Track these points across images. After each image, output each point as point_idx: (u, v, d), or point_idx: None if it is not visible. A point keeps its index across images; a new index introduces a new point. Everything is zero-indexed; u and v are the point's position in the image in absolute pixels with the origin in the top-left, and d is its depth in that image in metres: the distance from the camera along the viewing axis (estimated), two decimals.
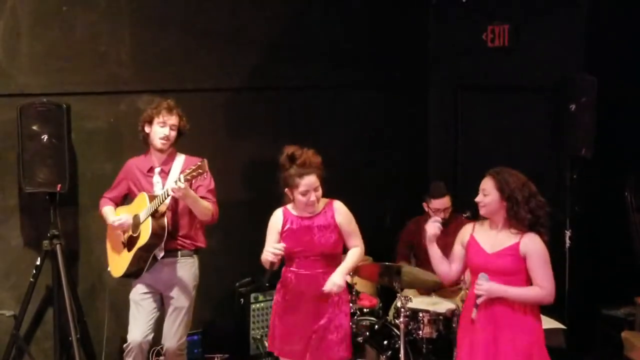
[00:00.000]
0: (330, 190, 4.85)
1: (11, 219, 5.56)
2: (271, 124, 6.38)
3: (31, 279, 5.42)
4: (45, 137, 5.34)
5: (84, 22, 5.64)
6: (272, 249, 4.64)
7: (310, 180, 4.64)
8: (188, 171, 4.79)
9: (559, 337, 5.57)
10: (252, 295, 6.19)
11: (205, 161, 4.78)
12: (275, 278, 4.95)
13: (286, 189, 4.72)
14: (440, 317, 5.43)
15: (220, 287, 6.27)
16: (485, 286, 4.31)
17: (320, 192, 4.70)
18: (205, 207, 5.05)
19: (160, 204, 4.95)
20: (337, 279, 4.64)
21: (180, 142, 5.53)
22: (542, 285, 4.29)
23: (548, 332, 5.44)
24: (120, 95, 5.74)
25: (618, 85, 6.03)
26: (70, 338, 5.40)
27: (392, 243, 6.42)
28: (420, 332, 5.41)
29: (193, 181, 4.95)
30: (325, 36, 6.66)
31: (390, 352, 5.40)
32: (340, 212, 4.77)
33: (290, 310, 4.77)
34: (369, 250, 4.98)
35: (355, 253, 4.79)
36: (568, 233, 5.97)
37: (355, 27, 6.79)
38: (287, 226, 4.75)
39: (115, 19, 5.75)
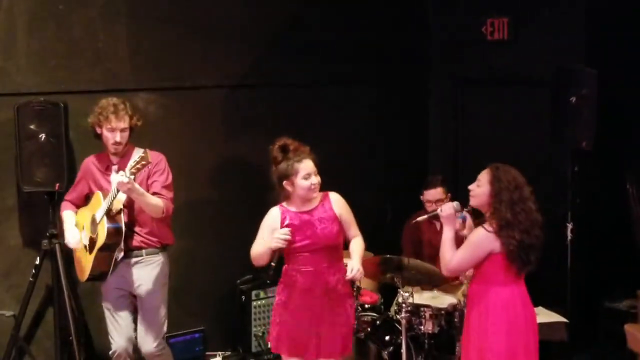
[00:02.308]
0: (331, 186, 4.83)
1: (10, 219, 5.53)
2: (270, 121, 6.35)
3: (30, 279, 5.40)
4: (42, 136, 5.31)
5: (81, 20, 5.61)
6: (280, 235, 4.58)
7: (309, 164, 4.63)
8: (132, 164, 4.60)
9: (561, 331, 5.57)
10: (254, 293, 6.16)
11: (148, 151, 4.64)
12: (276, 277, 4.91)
13: (284, 182, 4.65)
14: (442, 312, 5.40)
15: (221, 285, 6.25)
16: (445, 212, 4.56)
17: (319, 177, 4.66)
18: (153, 203, 4.84)
19: (112, 200, 4.79)
20: (356, 264, 4.65)
21: (178, 141, 5.51)
22: (453, 258, 4.47)
23: (550, 325, 5.45)
24: (117, 93, 5.67)
25: (619, 77, 6.01)
26: (70, 337, 5.38)
27: (393, 238, 6.39)
28: (422, 327, 5.39)
29: (150, 174, 4.85)
30: (324, 31, 6.62)
31: (392, 348, 5.38)
32: (339, 203, 4.76)
33: (298, 309, 4.69)
34: (370, 245, 4.96)
35: (360, 242, 4.81)
36: (570, 226, 5.94)
37: (354, 22, 6.76)
38: (287, 222, 4.67)
39: (112, 16, 5.72)
